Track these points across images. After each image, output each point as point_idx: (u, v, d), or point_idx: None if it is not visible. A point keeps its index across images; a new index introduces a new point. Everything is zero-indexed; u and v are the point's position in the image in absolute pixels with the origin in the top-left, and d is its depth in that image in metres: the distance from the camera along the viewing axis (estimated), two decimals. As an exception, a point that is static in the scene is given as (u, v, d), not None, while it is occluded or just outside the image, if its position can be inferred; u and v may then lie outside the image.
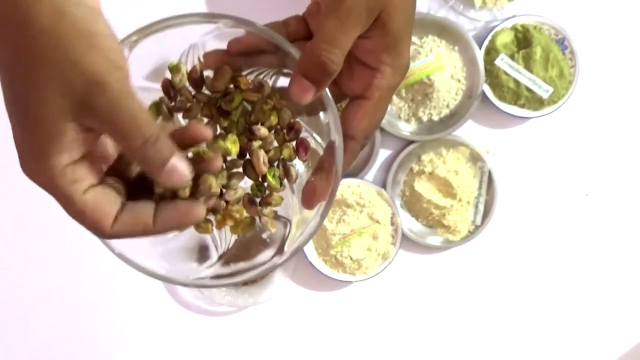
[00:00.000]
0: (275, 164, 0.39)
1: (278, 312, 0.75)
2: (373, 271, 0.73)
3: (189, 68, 0.38)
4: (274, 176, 0.38)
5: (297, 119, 0.39)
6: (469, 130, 0.75)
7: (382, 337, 0.76)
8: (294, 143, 0.39)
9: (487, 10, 0.74)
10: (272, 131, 0.38)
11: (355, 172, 0.74)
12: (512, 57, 0.73)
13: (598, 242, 0.78)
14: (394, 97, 0.73)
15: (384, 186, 0.74)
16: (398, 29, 0.36)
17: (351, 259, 0.72)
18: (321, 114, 0.39)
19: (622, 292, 0.78)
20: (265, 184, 0.39)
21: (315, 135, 0.40)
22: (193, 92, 0.38)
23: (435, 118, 0.74)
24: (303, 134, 0.39)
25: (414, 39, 0.73)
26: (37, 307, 0.73)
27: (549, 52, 0.72)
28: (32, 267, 0.73)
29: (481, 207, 0.74)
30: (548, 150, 0.77)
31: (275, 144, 0.39)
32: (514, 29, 0.73)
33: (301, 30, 0.39)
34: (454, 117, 0.73)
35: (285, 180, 0.39)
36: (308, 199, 0.37)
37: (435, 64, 0.71)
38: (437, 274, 0.76)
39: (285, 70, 0.39)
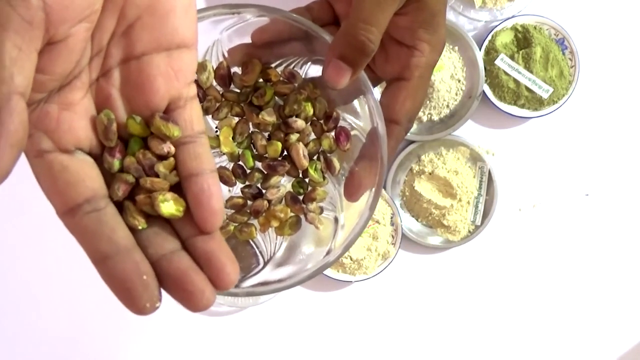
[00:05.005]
0: (315, 157, 0.36)
1: (278, 312, 0.75)
2: (373, 271, 0.73)
3: (215, 66, 0.36)
4: (315, 170, 0.36)
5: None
6: (469, 130, 0.75)
7: (382, 337, 0.76)
8: (333, 133, 0.36)
9: (487, 10, 0.74)
10: (309, 123, 0.36)
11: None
12: (512, 57, 0.73)
13: (598, 242, 0.78)
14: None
15: (384, 186, 0.74)
16: (435, 3, 0.35)
17: (351, 259, 0.72)
18: (356, 101, 0.36)
19: (622, 292, 0.78)
20: (307, 180, 0.36)
21: (353, 123, 0.37)
22: (221, 91, 0.36)
23: (435, 118, 0.74)
24: (341, 123, 0.36)
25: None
26: (37, 307, 0.73)
27: (549, 52, 0.73)
28: (33, 266, 0.73)
29: (481, 207, 0.74)
30: (548, 150, 0.77)
31: (313, 136, 0.36)
32: (514, 29, 0.74)
33: (325, 14, 0.38)
34: (454, 117, 0.73)
35: (328, 173, 0.36)
36: (353, 190, 0.35)
37: (435, 64, 0.71)
38: (437, 274, 0.76)
39: (315, 58, 0.36)
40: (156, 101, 0.28)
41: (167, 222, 0.28)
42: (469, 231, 0.74)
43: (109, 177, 0.27)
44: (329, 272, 0.73)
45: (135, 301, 0.25)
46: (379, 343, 0.76)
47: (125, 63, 0.27)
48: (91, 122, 0.27)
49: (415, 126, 0.74)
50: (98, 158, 0.27)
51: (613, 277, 0.78)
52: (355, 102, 0.37)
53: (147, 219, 0.27)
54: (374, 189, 0.35)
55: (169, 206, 0.27)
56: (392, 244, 0.73)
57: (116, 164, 0.27)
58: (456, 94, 0.73)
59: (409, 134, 0.73)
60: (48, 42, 0.24)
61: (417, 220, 0.75)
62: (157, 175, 0.28)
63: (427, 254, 0.76)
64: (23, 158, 0.26)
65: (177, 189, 0.28)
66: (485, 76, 0.73)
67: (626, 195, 0.78)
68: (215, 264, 0.26)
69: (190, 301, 0.26)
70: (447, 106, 0.73)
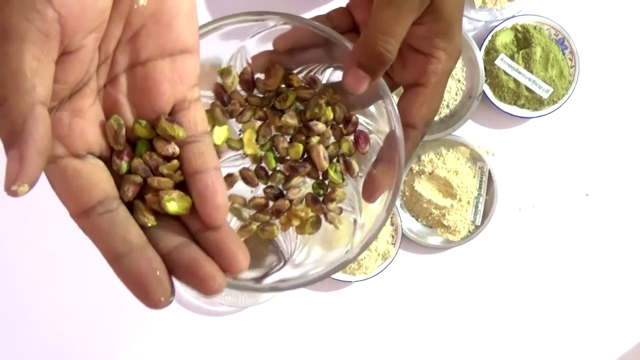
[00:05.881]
0: (335, 159, 0.38)
1: (278, 312, 0.75)
2: (373, 271, 0.73)
3: (239, 71, 0.37)
4: (335, 171, 0.37)
5: (354, 112, 0.38)
6: (469, 130, 0.75)
7: (382, 337, 0.76)
8: (352, 136, 0.38)
9: (487, 10, 0.74)
10: (329, 126, 0.38)
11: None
12: (512, 57, 0.73)
13: (598, 242, 0.78)
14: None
15: (384, 186, 0.74)
16: (451, 13, 0.36)
17: (351, 259, 0.72)
18: (374, 106, 0.38)
19: (622, 292, 0.78)
20: (327, 181, 0.38)
21: (372, 126, 0.38)
22: (245, 95, 0.38)
23: (435, 118, 0.74)
24: (360, 127, 0.38)
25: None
26: (37, 307, 0.73)
27: (549, 52, 0.73)
28: (32, 267, 0.73)
29: (481, 207, 0.74)
30: (548, 150, 0.77)
31: (333, 139, 0.38)
32: (514, 29, 0.74)
33: (345, 22, 0.39)
34: (454, 117, 0.74)
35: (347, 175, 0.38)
36: (371, 192, 0.37)
37: (435, 64, 0.71)
38: (437, 274, 0.76)
39: (335, 64, 0.38)
40: (162, 104, 0.28)
41: (176, 219, 0.29)
42: (469, 231, 0.74)
43: (119, 179, 0.28)
44: (329, 272, 0.73)
45: (150, 296, 0.26)
46: (379, 343, 0.76)
47: (131, 69, 0.28)
48: (101, 127, 0.28)
49: (415, 126, 0.74)
50: (107, 161, 0.28)
51: (613, 277, 0.78)
52: (374, 107, 0.38)
53: (157, 216, 0.28)
54: (391, 191, 0.36)
55: (174, 204, 0.28)
56: (392, 244, 0.73)
57: (124, 166, 0.29)
58: (456, 94, 0.74)
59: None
60: (62, 53, 0.25)
61: (417, 220, 0.75)
62: (163, 175, 0.29)
63: (427, 254, 0.76)
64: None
65: (185, 187, 0.29)
66: (485, 76, 0.73)
67: (626, 195, 0.78)
68: (226, 252, 0.27)
69: (203, 286, 0.26)
70: (447, 106, 0.74)
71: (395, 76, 0.39)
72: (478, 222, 0.74)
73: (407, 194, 0.75)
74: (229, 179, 0.38)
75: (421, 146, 0.74)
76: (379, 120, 0.38)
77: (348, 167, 0.38)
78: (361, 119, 0.38)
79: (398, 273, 0.75)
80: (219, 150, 0.37)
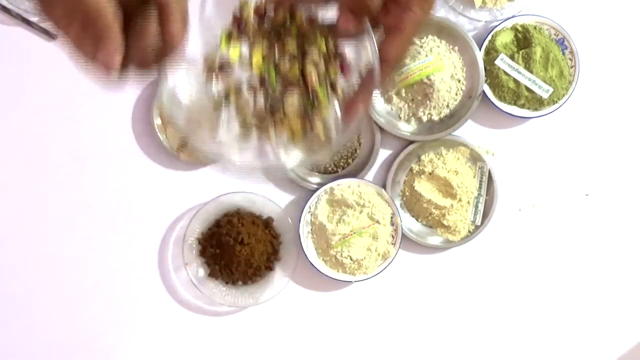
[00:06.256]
0: (324, 82, 0.46)
1: (278, 312, 0.75)
2: (373, 271, 0.73)
3: (254, 5, 0.46)
4: (323, 92, 0.46)
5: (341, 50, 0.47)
6: (469, 130, 0.75)
7: (382, 337, 0.76)
8: (339, 65, 0.46)
9: (487, 11, 0.74)
10: (321, 56, 0.46)
11: (355, 172, 0.74)
12: (512, 57, 0.73)
13: (598, 242, 0.78)
14: (394, 97, 0.73)
15: (384, 186, 0.74)
16: None
17: (351, 259, 0.72)
18: (359, 42, 0.46)
19: (622, 292, 0.78)
20: (316, 100, 0.46)
21: (355, 59, 0.47)
22: (257, 26, 0.46)
23: (435, 118, 0.74)
24: (346, 59, 0.47)
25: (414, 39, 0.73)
26: (37, 306, 0.73)
27: (549, 52, 0.73)
28: (31, 266, 0.73)
29: (481, 207, 0.74)
30: (548, 150, 0.77)
31: (323, 67, 0.46)
32: (514, 29, 0.74)
33: None
34: (454, 117, 0.74)
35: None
36: (351, 111, 0.46)
37: (435, 64, 0.71)
38: (437, 274, 0.76)
39: (331, 6, 0.47)
40: None
41: None
42: (469, 231, 0.74)
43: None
44: (329, 272, 0.73)
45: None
46: (379, 343, 0.76)
47: None
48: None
49: (415, 126, 0.74)
50: None
51: (613, 277, 0.78)
52: (359, 43, 0.47)
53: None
54: (365, 110, 0.46)
55: None
56: (392, 244, 0.73)
57: None
58: (456, 94, 0.74)
59: (409, 134, 0.73)
60: None
61: (417, 220, 0.75)
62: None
63: (427, 254, 0.76)
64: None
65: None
66: (485, 76, 0.73)
67: (626, 195, 0.78)
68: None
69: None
70: (447, 106, 0.74)
71: (379, 19, 0.47)
72: (478, 222, 0.74)
73: (407, 194, 0.75)
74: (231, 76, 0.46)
75: (421, 146, 0.74)
76: (362, 55, 0.47)
77: (334, 89, 0.46)
78: (347, 51, 0.47)
79: (398, 273, 0.75)
80: (232, 65, 0.46)
